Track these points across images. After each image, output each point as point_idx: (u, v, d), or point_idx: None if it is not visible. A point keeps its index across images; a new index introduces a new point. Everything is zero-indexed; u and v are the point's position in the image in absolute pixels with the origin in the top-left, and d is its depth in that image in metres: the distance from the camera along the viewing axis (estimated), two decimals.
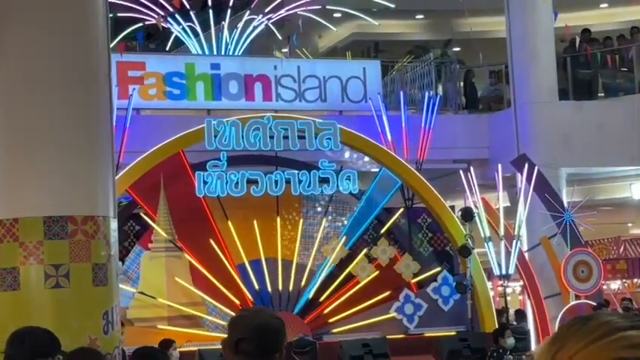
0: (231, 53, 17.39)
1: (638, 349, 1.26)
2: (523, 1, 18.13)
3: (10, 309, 6.69)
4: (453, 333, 15.10)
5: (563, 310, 16.19)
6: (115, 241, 7.08)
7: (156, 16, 17.60)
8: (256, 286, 15.02)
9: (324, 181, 15.05)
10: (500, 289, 17.34)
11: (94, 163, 7.14)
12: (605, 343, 1.30)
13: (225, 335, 3.50)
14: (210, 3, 18.15)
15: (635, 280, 25.84)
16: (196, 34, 17.60)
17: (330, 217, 15.67)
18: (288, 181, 14.90)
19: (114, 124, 8.59)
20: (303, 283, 15.28)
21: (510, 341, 12.30)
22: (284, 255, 15.21)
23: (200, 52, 17.33)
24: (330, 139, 14.99)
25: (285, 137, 14.83)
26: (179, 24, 17.67)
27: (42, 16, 7.02)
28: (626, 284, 25.51)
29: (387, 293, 15.44)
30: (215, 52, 17.30)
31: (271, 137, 14.74)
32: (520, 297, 21.32)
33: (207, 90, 16.23)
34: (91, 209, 6.94)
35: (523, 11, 18.09)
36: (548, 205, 16.67)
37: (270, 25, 18.62)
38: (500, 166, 16.76)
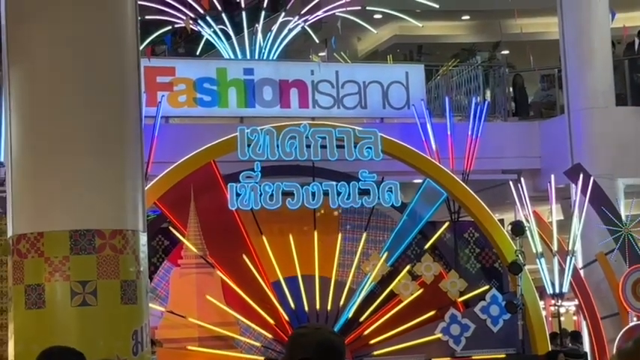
0: (265, 57, 17.45)
1: None
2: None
3: (35, 328, 6.74)
4: (503, 356, 15.01)
5: (622, 332, 16.07)
6: (144, 257, 7.12)
7: (184, 18, 17.70)
8: (292, 305, 15.02)
9: (364, 192, 15.03)
10: (553, 308, 17.22)
11: (123, 173, 7.19)
12: None
13: (272, 356, 3.51)
14: (243, 4, 18.21)
15: None
16: (228, 38, 17.67)
17: (370, 232, 15.61)
18: (325, 193, 14.90)
19: (143, 131, 8.66)
20: (342, 301, 15.25)
21: None
22: (322, 272, 15.19)
23: (232, 57, 17.40)
24: (370, 148, 14.98)
25: (323, 146, 14.84)
26: (210, 26, 17.77)
27: (68, 16, 7.09)
28: None
29: (431, 313, 15.38)
30: (248, 57, 17.37)
31: (308, 146, 14.76)
32: (575, 317, 21.16)
33: (239, 96, 16.30)
34: (119, 223, 6.98)
35: (577, 11, 18.01)
36: (604, 219, 16.58)
37: (307, 28, 18.69)
38: (553, 176, 16.69)
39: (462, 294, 15.64)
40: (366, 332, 15.23)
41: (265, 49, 17.65)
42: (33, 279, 6.80)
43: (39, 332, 6.61)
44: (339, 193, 14.94)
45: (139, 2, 8.02)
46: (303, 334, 3.57)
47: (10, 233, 7.07)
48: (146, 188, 13.30)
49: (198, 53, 19.40)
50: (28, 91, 7.17)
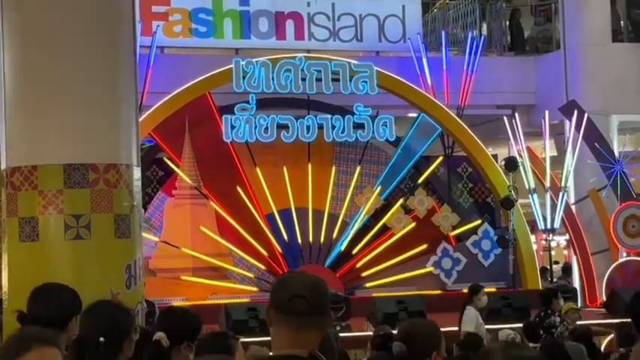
0: None
1: None
2: None
3: (29, 261, 6.76)
4: (493, 290, 15.06)
5: (612, 267, 16.18)
6: (138, 191, 7.11)
7: None
8: (285, 237, 15.09)
9: (358, 126, 15.03)
10: (544, 243, 17.30)
11: (117, 106, 7.14)
12: None
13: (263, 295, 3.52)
14: None
15: None
16: None
17: (364, 166, 15.63)
18: (320, 127, 14.89)
19: (137, 63, 8.59)
20: (335, 234, 15.32)
21: (562, 303, 12.22)
22: (315, 205, 15.24)
23: None
24: (366, 82, 14.93)
25: (318, 79, 14.79)
26: None
27: None
28: None
29: (423, 246, 15.48)
30: None
31: (303, 79, 14.70)
32: (565, 252, 21.25)
33: (235, 27, 16.16)
34: (113, 157, 6.96)
35: None
36: (597, 155, 16.58)
37: None
38: (547, 112, 16.67)
39: (454, 228, 15.73)
40: (358, 265, 15.32)
41: None
42: (27, 212, 6.80)
43: (33, 265, 6.62)
44: (333, 127, 14.93)
45: None
46: (292, 276, 3.57)
47: (3, 166, 7.05)
48: (141, 119, 13.25)
49: None
50: (21, 25, 7.10)
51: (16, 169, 6.85)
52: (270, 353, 3.42)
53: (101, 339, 3.85)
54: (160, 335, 4.67)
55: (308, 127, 14.83)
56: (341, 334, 10.91)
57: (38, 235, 6.76)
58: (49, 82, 6.94)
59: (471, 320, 11.70)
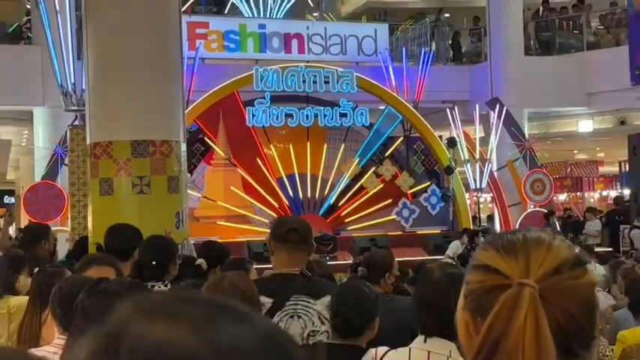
0: (274, 16, 17.17)
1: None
2: None
3: (106, 209, 6.75)
4: (438, 231, 15.16)
5: (522, 216, 16.23)
6: (184, 160, 7.08)
7: None
8: (291, 194, 15.10)
9: (343, 115, 14.99)
10: (474, 199, 17.32)
11: (169, 99, 7.11)
12: None
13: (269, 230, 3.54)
14: None
15: (578, 193, 25.79)
16: (248, 0, 17.37)
17: (347, 143, 15.60)
18: (316, 116, 14.85)
19: (184, 69, 8.55)
20: (326, 192, 15.34)
21: (482, 239, 12.28)
22: (312, 171, 15.24)
23: (250, 15, 17.12)
24: (348, 83, 14.88)
25: (314, 82, 14.73)
26: None
27: None
28: (570, 197, 25.50)
29: (389, 201, 15.50)
30: (262, 15, 17.09)
31: (304, 82, 14.64)
32: (490, 205, 21.33)
33: (255, 44, 16.08)
34: (167, 135, 6.94)
35: None
36: (513, 136, 16.61)
37: None
38: (477, 106, 16.66)
39: (410, 188, 15.75)
40: (342, 214, 15.35)
41: (275, 9, 17.35)
42: (105, 174, 6.78)
43: (109, 212, 6.61)
44: (325, 116, 14.90)
45: None
46: (286, 218, 3.65)
47: (88, 141, 7.03)
48: (188, 110, 13.29)
49: (226, 12, 19.04)
50: (102, 38, 7.06)
51: (97, 143, 6.83)
52: (273, 272, 3.46)
53: (153, 262, 3.88)
54: (200, 261, 4.72)
55: (307, 116, 14.79)
56: (329, 263, 10.93)
57: (113, 191, 6.74)
58: (121, 80, 6.90)
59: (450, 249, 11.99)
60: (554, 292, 1.15)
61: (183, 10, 8.69)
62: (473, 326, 1.20)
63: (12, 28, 16.32)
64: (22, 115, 15.95)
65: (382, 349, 2.55)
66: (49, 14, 11.32)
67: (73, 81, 12.43)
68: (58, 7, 11.07)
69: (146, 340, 0.61)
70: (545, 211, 15.98)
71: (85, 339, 0.64)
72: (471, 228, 14.43)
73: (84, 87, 8.31)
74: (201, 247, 5.49)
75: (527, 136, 16.94)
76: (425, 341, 2.47)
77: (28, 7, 13.12)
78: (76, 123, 12.01)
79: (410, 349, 2.49)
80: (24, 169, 19.63)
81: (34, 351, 2.60)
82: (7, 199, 25.61)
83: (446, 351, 2.42)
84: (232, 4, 18.09)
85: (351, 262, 9.18)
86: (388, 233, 14.60)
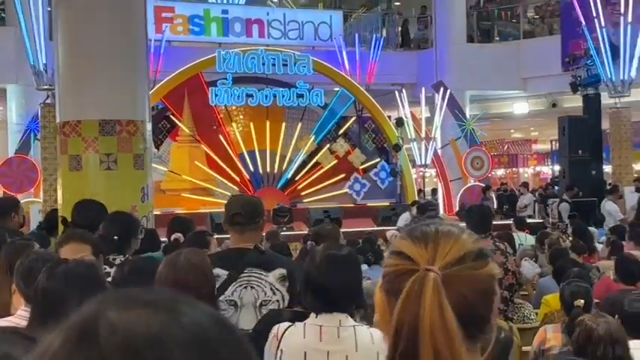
0: (237, 2, 16.95)
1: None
2: None
3: (75, 184, 6.65)
4: (387, 204, 15.21)
5: (462, 190, 16.40)
6: (149, 138, 6.99)
7: None
8: (252, 169, 15.02)
9: (300, 96, 14.90)
10: (420, 174, 17.44)
11: (135, 81, 6.99)
12: None
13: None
14: None
15: (513, 169, 26.18)
16: None
17: (304, 122, 15.52)
18: (274, 96, 14.74)
19: (151, 51, 8.40)
20: (284, 167, 15.29)
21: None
22: (271, 147, 15.14)
23: (214, 1, 16.88)
24: (305, 66, 14.75)
25: (273, 64, 14.58)
26: None
27: None
28: (506, 172, 25.87)
29: (342, 176, 15.52)
30: (225, 1, 16.85)
31: (263, 64, 14.50)
32: (435, 180, 21.53)
33: (218, 29, 15.88)
34: (132, 115, 6.83)
35: None
36: (455, 117, 16.72)
37: None
38: (423, 88, 16.73)
39: (362, 164, 15.78)
40: (299, 187, 15.33)
41: None
42: (74, 151, 6.66)
43: (78, 186, 6.51)
44: (283, 96, 14.81)
45: None
46: (232, 199, 3.59)
47: (57, 119, 6.89)
48: (155, 89, 13.11)
49: None
50: (70, 22, 6.90)
51: (66, 122, 6.69)
52: (229, 247, 3.45)
53: (115, 237, 3.83)
54: (177, 235, 4.77)
55: (266, 96, 14.67)
56: (286, 233, 10.91)
57: (82, 167, 6.63)
58: (88, 62, 6.76)
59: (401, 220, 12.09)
60: (455, 279, 1.21)
61: None
62: (387, 305, 1.24)
63: None
64: None
65: (284, 325, 2.55)
66: None
67: (44, 61, 12.19)
68: None
69: (122, 322, 0.65)
70: (483, 185, 16.18)
71: (57, 330, 0.65)
72: (417, 201, 14.52)
73: (54, 68, 8.12)
74: (174, 221, 5.63)
75: (468, 116, 17.07)
76: (316, 317, 2.50)
77: None
78: (48, 101, 11.79)
79: (305, 324, 2.51)
80: None
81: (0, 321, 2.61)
82: None
83: (335, 322, 2.46)
84: None
85: (306, 232, 9.22)
86: (341, 205, 14.60)
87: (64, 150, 6.75)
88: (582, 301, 3.96)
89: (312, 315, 2.51)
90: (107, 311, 0.66)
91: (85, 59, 6.78)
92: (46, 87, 11.86)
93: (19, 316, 2.59)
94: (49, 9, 10.52)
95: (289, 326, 2.53)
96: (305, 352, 2.46)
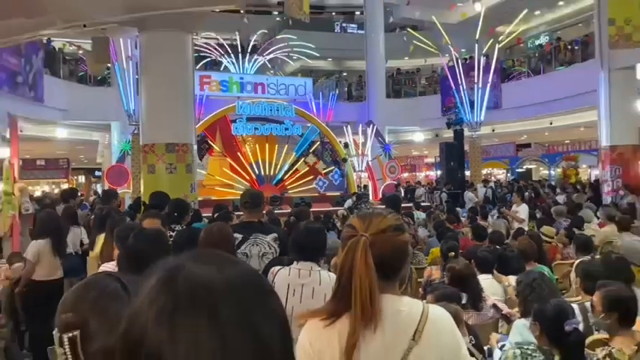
0: (249, 72, 16.93)
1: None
2: (374, 53, 17.96)
3: (151, 181, 6.71)
4: (338, 194, 15.17)
5: (384, 185, 16.54)
6: (195, 154, 7.05)
7: (217, 53, 17.03)
8: (257, 172, 15.01)
9: (286, 129, 14.94)
10: (358, 175, 17.57)
11: (187, 120, 7.08)
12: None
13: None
14: (239, 50, 17.58)
15: (413, 173, 26.43)
16: (233, 63, 17.07)
17: (289, 144, 15.49)
18: (271, 129, 14.76)
19: (196, 102, 8.38)
20: (277, 171, 15.30)
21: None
22: (269, 159, 15.14)
23: (235, 71, 16.83)
24: (289, 111, 14.82)
25: (270, 110, 14.63)
26: (226, 57, 17.14)
27: (162, 60, 6.81)
28: (409, 175, 26.08)
29: (311, 177, 15.54)
30: (242, 72, 16.82)
31: (264, 110, 14.52)
32: (367, 179, 21.68)
33: (237, 88, 15.75)
34: (185, 139, 6.91)
35: (374, 60, 17.97)
36: (379, 142, 16.87)
37: (266, 61, 18.16)
38: (360, 125, 16.84)
39: (324, 170, 15.81)
40: (286, 184, 15.33)
41: (249, 68, 17.12)
42: (150, 162, 6.72)
43: (152, 183, 6.56)
44: (276, 129, 14.83)
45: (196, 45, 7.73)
46: (244, 192, 3.56)
47: (141, 142, 6.91)
48: (198, 125, 13.05)
49: (221, 69, 18.63)
50: (149, 84, 6.94)
51: (145, 144, 6.76)
52: (243, 220, 3.48)
53: (175, 214, 3.85)
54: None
55: (266, 129, 14.69)
56: (278, 212, 10.94)
57: (155, 171, 6.69)
58: (159, 108, 6.81)
59: (346, 204, 11.89)
60: (379, 242, 1.21)
61: (197, 67, 8.56)
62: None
63: (99, 78, 15.74)
64: (105, 126, 15.54)
65: (277, 267, 2.43)
66: (119, 69, 11.03)
67: (133, 107, 12.24)
68: (125, 66, 10.83)
69: (194, 273, 0.60)
70: (396, 182, 16.38)
71: (153, 273, 0.62)
72: (356, 192, 14.69)
73: (139, 111, 8.11)
74: (216, 206, 5.63)
75: (387, 141, 17.25)
76: (297, 264, 2.44)
77: (109, 65, 12.71)
78: (135, 132, 11.77)
79: (290, 268, 2.41)
80: (106, 157, 18.98)
81: (106, 264, 2.60)
82: (97, 174, 24.78)
83: (308, 267, 2.39)
84: (224, 66, 17.81)
85: (289, 211, 9.33)
86: (311, 195, 14.67)
87: (145, 161, 6.83)
88: (453, 253, 4.06)
89: (295, 262, 2.44)
90: (185, 265, 0.62)
91: (157, 107, 6.87)
92: (134, 123, 11.85)
93: (114, 264, 2.66)
94: (136, 76, 10.50)
95: (280, 268, 2.46)
96: (288, 284, 2.39)
